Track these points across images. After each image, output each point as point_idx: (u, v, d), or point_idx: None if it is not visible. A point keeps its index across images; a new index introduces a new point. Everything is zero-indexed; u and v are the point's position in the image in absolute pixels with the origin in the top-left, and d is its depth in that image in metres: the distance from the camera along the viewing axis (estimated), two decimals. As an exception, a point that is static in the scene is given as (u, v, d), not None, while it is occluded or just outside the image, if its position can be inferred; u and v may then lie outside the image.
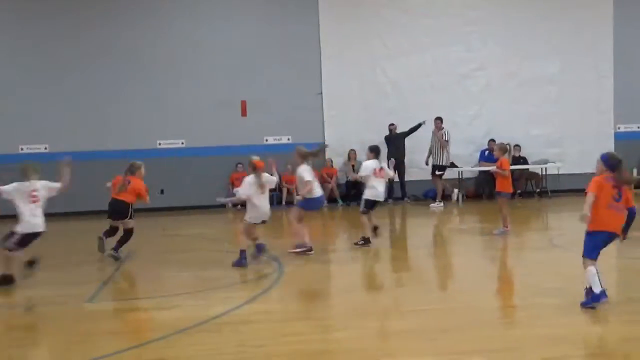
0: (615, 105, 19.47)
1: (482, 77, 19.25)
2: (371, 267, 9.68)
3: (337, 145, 18.56)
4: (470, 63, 19.20)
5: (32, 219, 8.61)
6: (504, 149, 12.48)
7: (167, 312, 7.22)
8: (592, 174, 6.85)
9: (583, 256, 6.73)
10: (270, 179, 9.98)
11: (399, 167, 18.45)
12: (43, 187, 8.79)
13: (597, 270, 6.67)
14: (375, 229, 11.24)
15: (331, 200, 18.27)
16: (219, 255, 10.77)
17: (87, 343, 6.08)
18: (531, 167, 18.87)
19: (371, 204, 11.23)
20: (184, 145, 18.51)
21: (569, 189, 18.35)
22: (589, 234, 6.70)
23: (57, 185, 8.91)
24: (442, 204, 17.25)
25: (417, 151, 18.42)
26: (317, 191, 10.56)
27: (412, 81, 18.99)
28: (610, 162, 6.68)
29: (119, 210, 10.73)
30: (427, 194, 18.69)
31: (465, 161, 18.93)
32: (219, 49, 18.64)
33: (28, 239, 8.63)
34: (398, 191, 18.58)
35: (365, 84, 18.95)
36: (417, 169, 18.65)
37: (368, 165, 11.07)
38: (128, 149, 18.26)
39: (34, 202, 8.64)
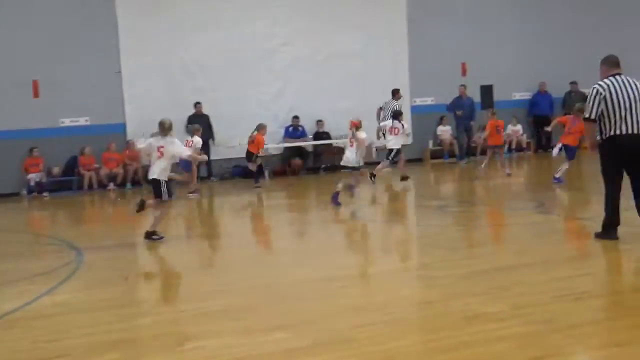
0: (410, 80, 20.41)
1: (288, 53, 19.27)
2: (174, 252, 9.49)
3: (138, 127, 17.98)
4: (276, 38, 19.17)
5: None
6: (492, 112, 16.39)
7: (-49, 312, 6.67)
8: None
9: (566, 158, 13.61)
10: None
11: (205, 148, 18.24)
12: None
13: (567, 166, 13.46)
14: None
15: (136, 183, 17.77)
16: (15, 247, 10.13)
17: None
18: (335, 142, 19.35)
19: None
20: (-30, 130, 17.18)
21: (372, 161, 18.96)
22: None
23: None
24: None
25: (225, 129, 18.31)
26: None
27: (218, 57, 18.57)
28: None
29: (248, 157, 16.26)
30: (236, 172, 18.63)
31: (271, 138, 18.93)
32: (7, 25, 17.36)
33: None
34: (204, 171, 18.39)
35: (168, 61, 18.25)
36: (224, 147, 18.49)
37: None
38: None
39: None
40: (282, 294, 6.60)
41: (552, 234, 9.11)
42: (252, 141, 16.20)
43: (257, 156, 16.24)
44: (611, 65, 8.05)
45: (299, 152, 19.13)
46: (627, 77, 7.96)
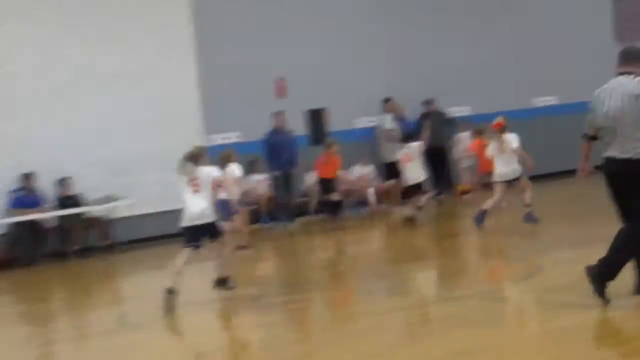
0: (203, 108, 20.24)
1: (4, 79, 18.70)
2: None
3: None
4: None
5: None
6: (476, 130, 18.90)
7: None
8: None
9: None
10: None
11: None
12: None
13: None
14: None
15: None
16: None
17: None
18: (90, 210, 18.93)
19: None
20: None
21: (148, 236, 18.75)
22: None
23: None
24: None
25: None
26: None
27: None
28: None
29: (325, 187, 19.32)
30: None
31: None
32: None
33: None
34: None
35: None
36: None
37: None
38: None
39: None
40: None
41: (410, 328, 9.42)
42: (324, 163, 18.96)
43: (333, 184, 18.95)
44: (619, 61, 8.64)
45: (34, 229, 18.43)
46: (631, 79, 8.41)
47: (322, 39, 21.49)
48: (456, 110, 22.55)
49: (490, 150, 15.43)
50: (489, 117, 21.88)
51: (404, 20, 22.41)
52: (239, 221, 15.94)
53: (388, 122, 20.71)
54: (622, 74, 8.49)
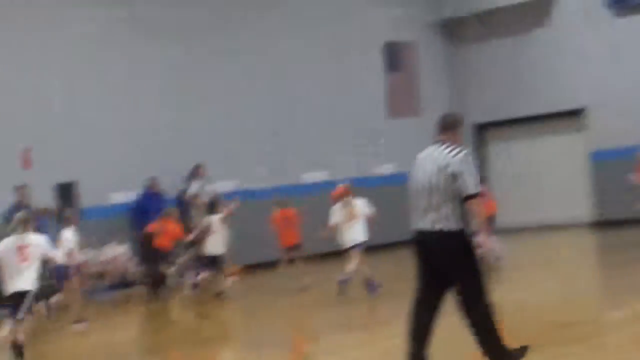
0: None
1: None
2: None
3: None
4: None
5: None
6: (278, 202, 18.39)
7: None
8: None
9: None
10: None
11: None
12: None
13: None
14: None
15: None
16: None
17: None
18: None
19: None
20: None
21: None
22: None
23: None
24: None
25: None
26: None
27: None
28: None
29: (154, 256, 19.58)
30: None
31: None
32: None
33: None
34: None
35: None
36: None
37: None
38: None
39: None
40: None
41: None
42: (159, 233, 18.83)
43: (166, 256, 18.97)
44: (437, 129, 8.78)
45: None
46: (443, 148, 8.54)
47: (73, 105, 20.82)
48: (221, 186, 22.15)
49: (337, 216, 15.83)
50: (255, 193, 21.70)
51: (156, 90, 22.03)
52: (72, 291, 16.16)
53: (195, 188, 20.82)
54: (436, 142, 8.65)
